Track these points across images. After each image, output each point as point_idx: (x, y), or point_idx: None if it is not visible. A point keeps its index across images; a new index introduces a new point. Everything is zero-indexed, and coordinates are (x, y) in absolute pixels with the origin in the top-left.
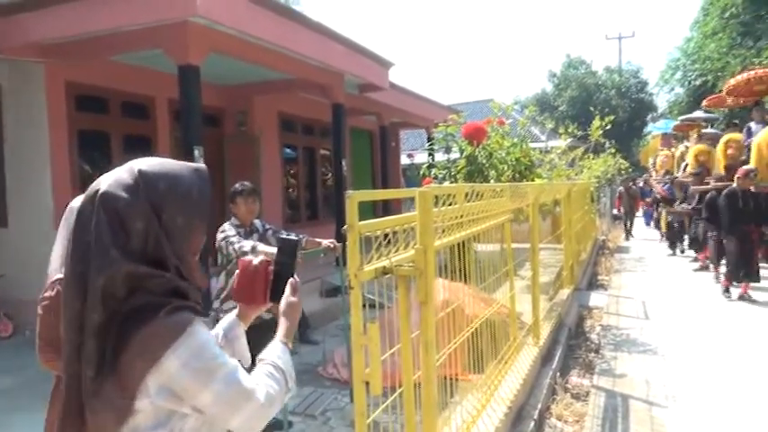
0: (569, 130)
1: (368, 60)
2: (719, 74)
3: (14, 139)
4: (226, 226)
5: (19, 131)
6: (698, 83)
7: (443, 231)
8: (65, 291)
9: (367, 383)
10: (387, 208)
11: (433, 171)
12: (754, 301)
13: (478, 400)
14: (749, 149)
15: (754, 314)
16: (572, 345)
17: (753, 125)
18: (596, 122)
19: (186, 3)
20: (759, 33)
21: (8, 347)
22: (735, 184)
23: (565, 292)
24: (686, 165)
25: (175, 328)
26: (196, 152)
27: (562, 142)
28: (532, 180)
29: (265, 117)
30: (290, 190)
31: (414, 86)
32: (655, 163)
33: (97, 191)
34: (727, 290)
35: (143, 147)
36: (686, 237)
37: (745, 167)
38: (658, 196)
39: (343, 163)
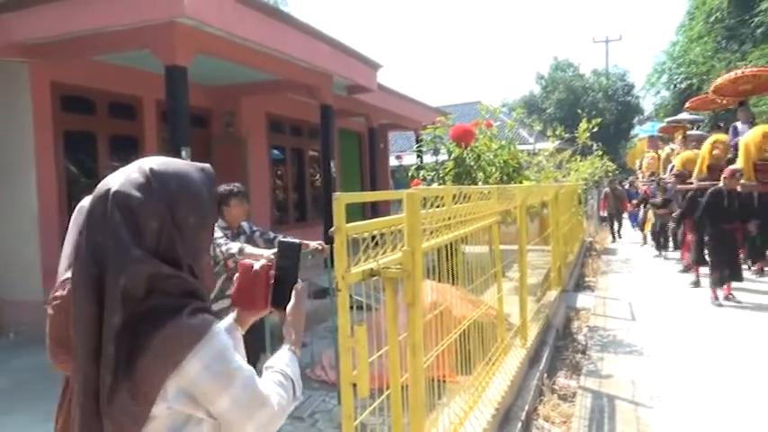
0: (557, 133)
1: (356, 62)
2: (704, 77)
3: None
4: None
5: (3, 132)
6: (683, 86)
7: (431, 233)
8: (75, 293)
9: (354, 385)
10: (375, 209)
11: (422, 173)
12: (738, 302)
13: (466, 401)
14: (736, 149)
15: (739, 315)
16: (559, 346)
17: (739, 125)
18: (583, 125)
19: (173, 3)
20: (743, 37)
21: None
22: (721, 184)
23: (552, 294)
24: (672, 167)
25: (197, 331)
26: (183, 153)
27: (550, 144)
28: (520, 182)
29: (253, 118)
30: (278, 191)
31: (402, 88)
32: (641, 165)
33: (108, 189)
34: (716, 298)
35: (130, 148)
36: (670, 238)
37: (731, 167)
38: (655, 201)
39: (332, 164)
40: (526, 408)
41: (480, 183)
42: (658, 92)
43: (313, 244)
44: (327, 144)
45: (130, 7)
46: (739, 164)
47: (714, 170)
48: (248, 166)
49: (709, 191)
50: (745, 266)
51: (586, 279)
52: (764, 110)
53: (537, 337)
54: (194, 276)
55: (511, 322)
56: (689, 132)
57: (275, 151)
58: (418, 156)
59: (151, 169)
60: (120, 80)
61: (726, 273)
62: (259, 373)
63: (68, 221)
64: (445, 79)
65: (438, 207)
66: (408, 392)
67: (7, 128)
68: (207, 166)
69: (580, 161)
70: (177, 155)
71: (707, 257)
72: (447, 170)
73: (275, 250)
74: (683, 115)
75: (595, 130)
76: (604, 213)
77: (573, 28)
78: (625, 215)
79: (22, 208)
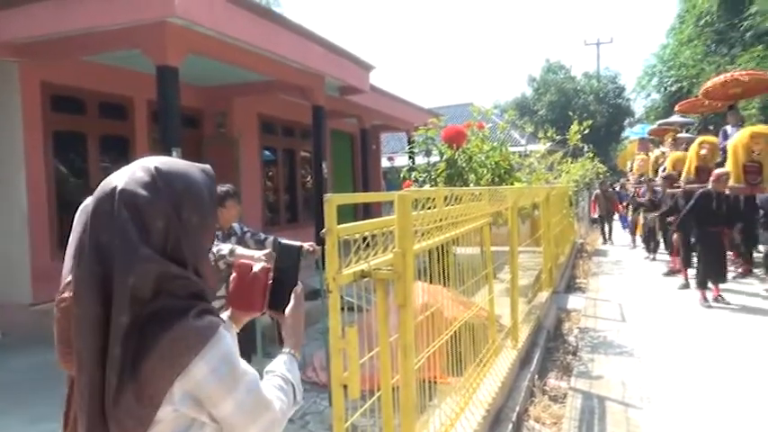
0: (548, 135)
1: (348, 63)
2: (694, 80)
3: None
4: None
5: None
6: (673, 89)
7: (423, 235)
8: (78, 293)
9: (345, 387)
10: (367, 211)
11: (414, 174)
12: (727, 304)
13: (457, 402)
14: (725, 152)
15: (727, 317)
16: (550, 347)
17: (728, 128)
18: (575, 127)
19: (164, 3)
20: (733, 41)
21: None
22: (710, 186)
23: (543, 295)
24: (664, 169)
25: (205, 333)
26: (174, 154)
27: (541, 146)
28: (511, 184)
29: (245, 119)
30: (270, 192)
31: (394, 89)
32: (632, 167)
33: (114, 188)
34: (705, 299)
35: (120, 148)
36: (660, 240)
37: (717, 171)
38: (641, 200)
39: (324, 165)
40: (517, 409)
41: (472, 184)
42: (649, 94)
43: (304, 245)
44: (319, 145)
45: (121, 7)
46: (728, 167)
47: (702, 172)
48: (240, 166)
49: (698, 193)
50: (731, 268)
51: (577, 280)
52: (754, 113)
53: (528, 339)
54: (199, 277)
55: (502, 324)
56: (679, 135)
57: (267, 152)
58: (410, 157)
59: (156, 168)
60: (111, 80)
61: (712, 274)
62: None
63: (58, 222)
64: (437, 81)
65: (429, 208)
66: (399, 394)
67: None
68: (207, 167)
69: (571, 163)
70: (168, 155)
71: (693, 259)
72: (439, 171)
73: (267, 251)
74: (675, 118)
75: (586, 132)
76: (595, 215)
77: (565, 30)
78: (616, 217)
79: (12, 208)
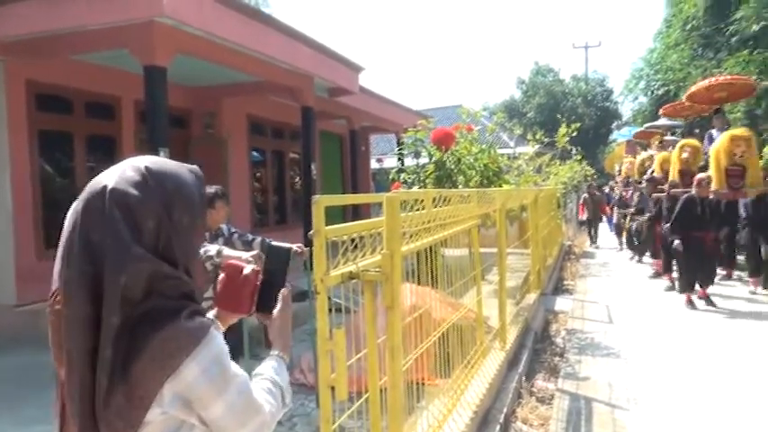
0: (537, 137)
1: (338, 64)
2: (681, 84)
3: None
4: None
5: None
6: (660, 92)
7: (411, 236)
8: (67, 293)
9: (333, 389)
10: (357, 212)
11: (402, 176)
12: (713, 305)
13: (445, 404)
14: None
15: (712, 319)
16: (538, 349)
17: (714, 132)
18: (563, 129)
19: (152, 2)
20: (719, 46)
21: None
22: (693, 191)
23: (531, 297)
24: (652, 171)
25: (196, 334)
26: (162, 154)
27: (530, 148)
28: (500, 186)
29: (234, 119)
30: (259, 194)
31: (384, 91)
32: (620, 170)
33: (105, 187)
34: (690, 301)
35: (107, 148)
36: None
37: (699, 176)
38: (631, 208)
39: (313, 167)
40: (504, 410)
41: (461, 186)
42: (636, 98)
43: (293, 247)
44: (308, 146)
45: (109, 6)
46: (711, 171)
47: (685, 175)
48: (228, 167)
49: (682, 198)
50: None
51: (565, 282)
52: (739, 117)
53: (516, 340)
54: (190, 277)
55: (490, 325)
56: (665, 138)
57: (256, 153)
58: (399, 159)
59: (147, 168)
60: (99, 79)
61: (695, 278)
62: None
63: (44, 222)
64: (427, 83)
65: (418, 210)
66: (387, 395)
67: None
68: (196, 167)
69: (559, 165)
70: (155, 156)
71: (674, 264)
72: (428, 173)
73: (255, 252)
74: (662, 121)
75: (574, 134)
76: (583, 218)
77: (553, 34)
78: (604, 219)
79: None
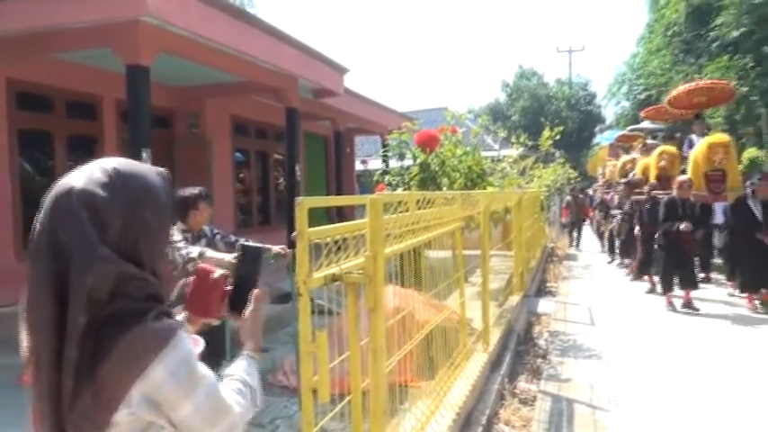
0: (521, 140)
1: (322, 65)
2: (663, 88)
3: None
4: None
5: None
6: (642, 97)
7: (395, 238)
8: (33, 294)
9: (315, 391)
10: (341, 214)
11: (387, 178)
12: (696, 309)
13: (428, 406)
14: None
15: (692, 321)
16: (520, 350)
17: (694, 137)
18: (546, 132)
19: (137, 2)
20: (700, 51)
21: None
22: (675, 193)
23: (515, 299)
24: (633, 175)
25: (164, 336)
26: (144, 154)
27: (514, 151)
28: (484, 188)
29: (218, 120)
30: (242, 194)
31: (369, 93)
32: (603, 173)
33: (72, 187)
34: (670, 304)
35: (88, 148)
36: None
37: (680, 178)
38: (614, 213)
39: (297, 168)
40: (487, 412)
41: (445, 188)
42: (619, 102)
43: (275, 248)
44: (293, 147)
45: (92, 5)
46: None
47: (663, 180)
48: (212, 168)
49: (663, 201)
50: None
51: (548, 284)
52: (719, 122)
53: (499, 342)
54: (156, 278)
55: (473, 327)
56: (648, 141)
57: (239, 154)
58: (384, 161)
59: (114, 169)
60: (80, 78)
61: (675, 280)
62: (219, 379)
63: (23, 222)
64: (412, 85)
65: (402, 212)
66: (370, 398)
67: None
68: (163, 170)
69: (543, 168)
70: (138, 156)
71: (652, 266)
72: (412, 175)
73: (237, 254)
74: (645, 124)
75: (558, 137)
76: (566, 221)
77: (538, 37)
78: (587, 222)
79: None
